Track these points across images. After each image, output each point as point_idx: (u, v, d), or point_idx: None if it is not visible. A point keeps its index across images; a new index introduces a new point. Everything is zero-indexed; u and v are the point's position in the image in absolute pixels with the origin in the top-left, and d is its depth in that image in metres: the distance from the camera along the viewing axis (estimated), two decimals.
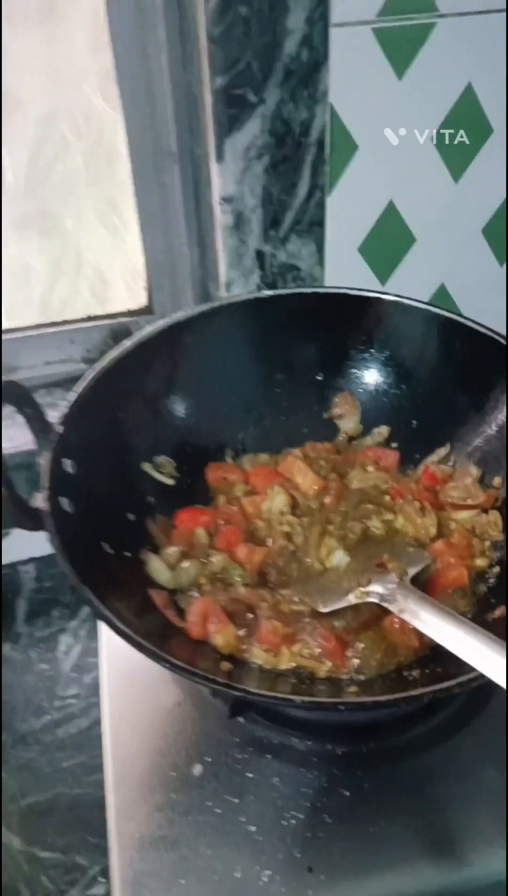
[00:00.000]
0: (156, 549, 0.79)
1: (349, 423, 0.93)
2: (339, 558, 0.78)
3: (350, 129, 0.98)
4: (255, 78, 0.92)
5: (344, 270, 1.08)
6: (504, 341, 0.79)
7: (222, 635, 0.70)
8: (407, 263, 1.11)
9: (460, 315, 0.83)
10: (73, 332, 1.20)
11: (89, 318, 1.23)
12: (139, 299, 1.22)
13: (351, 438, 0.93)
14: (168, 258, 1.19)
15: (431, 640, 0.63)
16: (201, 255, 1.17)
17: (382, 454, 0.89)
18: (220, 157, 0.97)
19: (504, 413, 0.80)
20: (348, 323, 0.91)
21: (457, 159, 1.03)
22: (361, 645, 0.70)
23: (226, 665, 0.67)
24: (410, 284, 1.11)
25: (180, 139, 1.09)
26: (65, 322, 1.20)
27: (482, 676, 0.56)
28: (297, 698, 0.56)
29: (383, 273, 1.10)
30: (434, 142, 1.00)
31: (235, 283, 1.06)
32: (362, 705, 0.56)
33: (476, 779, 0.70)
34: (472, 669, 0.56)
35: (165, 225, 1.17)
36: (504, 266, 1.14)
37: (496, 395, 0.81)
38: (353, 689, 0.65)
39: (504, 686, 0.53)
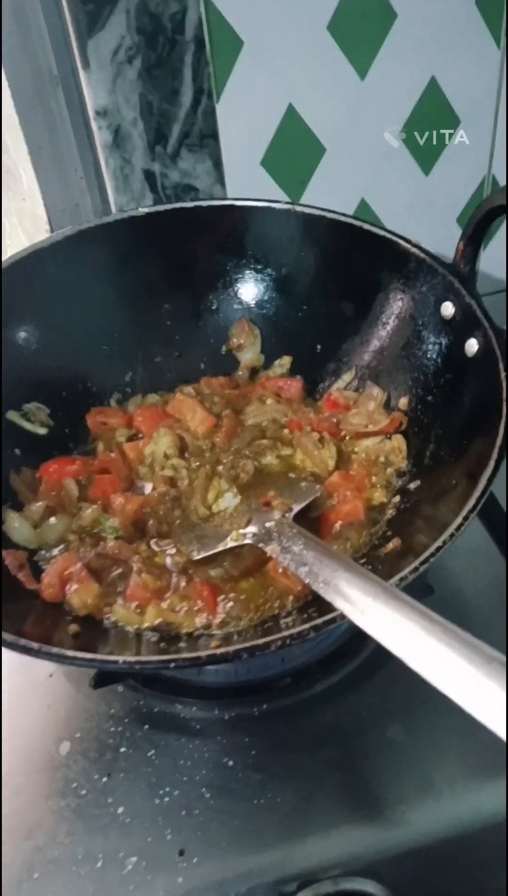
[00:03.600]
0: (19, 507, 0.70)
1: (248, 355, 0.83)
2: (228, 501, 0.69)
3: (231, 22, 0.86)
4: None
5: (248, 188, 0.97)
6: (382, 234, 0.69)
7: (80, 595, 0.62)
8: (319, 177, 0.99)
9: (341, 214, 0.73)
10: None
11: None
12: None
13: (253, 372, 0.84)
14: (66, 195, 1.08)
15: None
16: (99, 187, 1.06)
17: (284, 384, 0.80)
18: (85, 63, 0.86)
19: (394, 316, 0.70)
20: (236, 238, 0.81)
21: (361, 50, 0.91)
22: (233, 595, 0.61)
23: (73, 627, 0.58)
24: (325, 201, 1.00)
25: (59, 58, 0.98)
26: None
27: (338, 618, 0.46)
28: (119, 658, 0.47)
29: (293, 190, 0.99)
30: (331, 32, 0.88)
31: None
32: (195, 660, 0.47)
33: (379, 735, 0.61)
34: (334, 609, 0.47)
35: (58, 157, 1.06)
36: (429, 175, 1.03)
37: (384, 296, 0.71)
38: (215, 643, 0.56)
39: (372, 635, 0.44)
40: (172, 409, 0.78)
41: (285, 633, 0.47)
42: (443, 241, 0.83)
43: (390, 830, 0.58)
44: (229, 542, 0.62)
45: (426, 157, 1.04)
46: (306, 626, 0.47)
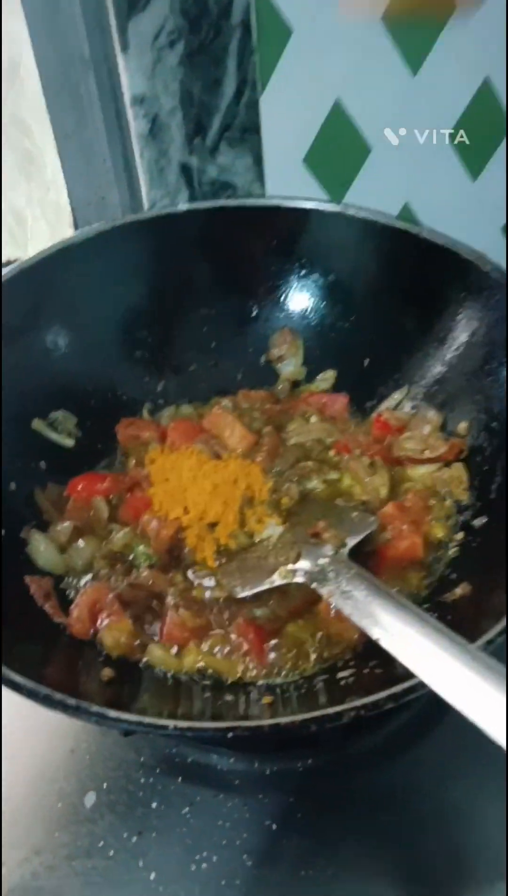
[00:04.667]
0: (44, 527, 0.64)
1: (289, 367, 0.77)
2: (271, 529, 0.63)
3: (281, 8, 0.80)
4: None
5: (289, 187, 0.91)
6: (456, 251, 0.63)
7: (112, 632, 0.56)
8: (364, 178, 0.94)
9: (406, 222, 0.67)
10: None
11: (7, 264, 1.07)
12: None
13: (294, 385, 0.78)
14: (93, 187, 1.02)
15: None
16: (128, 179, 1.00)
17: (328, 401, 0.74)
18: (124, 46, 0.80)
19: (462, 337, 0.64)
20: (282, 241, 0.75)
21: (415, 45, 0.85)
22: (279, 640, 0.55)
23: (108, 672, 0.52)
24: (368, 203, 0.94)
25: (92, 42, 0.92)
26: None
27: (419, 687, 0.41)
28: (171, 723, 0.41)
29: (335, 190, 0.94)
30: (385, 23, 0.83)
31: (159, 206, 0.89)
32: (256, 730, 0.41)
33: (441, 799, 0.56)
34: (412, 675, 0.41)
35: (85, 146, 0.99)
36: (476, 181, 0.97)
37: (451, 315, 0.65)
38: (267, 699, 0.50)
39: (453, 705, 0.38)
40: (208, 424, 0.72)
41: (359, 703, 0.41)
42: (487, 249, 0.77)
43: None
44: (277, 580, 0.57)
45: (475, 161, 0.98)
46: (383, 694, 0.41)
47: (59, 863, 0.54)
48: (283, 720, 0.41)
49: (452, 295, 0.66)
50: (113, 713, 0.41)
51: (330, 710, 0.40)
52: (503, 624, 0.44)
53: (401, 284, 0.71)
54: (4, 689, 0.44)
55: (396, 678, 0.44)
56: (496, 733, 0.37)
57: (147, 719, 0.41)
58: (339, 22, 0.83)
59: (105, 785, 0.57)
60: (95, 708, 0.42)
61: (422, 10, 0.83)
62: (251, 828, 0.54)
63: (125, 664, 0.54)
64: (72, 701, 0.42)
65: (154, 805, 0.56)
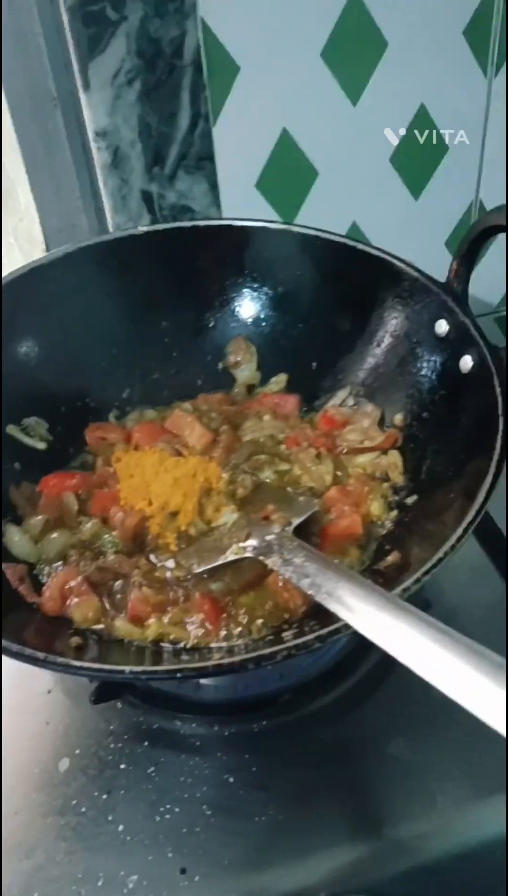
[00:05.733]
0: (19, 521, 0.70)
1: (245, 372, 0.84)
2: (227, 517, 0.69)
3: (228, 48, 0.88)
4: None
5: (243, 210, 0.98)
6: (389, 260, 0.71)
7: (81, 608, 0.62)
8: (313, 200, 1.01)
9: (337, 235, 0.74)
10: None
11: None
12: None
13: (250, 389, 0.84)
14: (63, 215, 1.09)
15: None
16: (95, 207, 1.07)
17: (281, 401, 0.80)
18: (86, 85, 0.87)
19: (393, 338, 0.71)
20: (234, 258, 0.82)
21: (353, 77, 0.93)
22: (234, 609, 0.61)
23: (76, 640, 0.57)
24: (318, 223, 1.02)
25: (58, 79, 0.99)
26: None
27: (343, 628, 0.47)
28: (127, 668, 0.47)
29: (287, 212, 1.01)
30: (324, 59, 0.91)
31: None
32: (201, 670, 0.47)
33: (381, 751, 0.61)
34: (337, 621, 0.47)
35: (55, 177, 1.07)
36: (418, 199, 1.05)
37: (384, 318, 0.72)
38: (219, 655, 0.56)
39: (375, 643, 0.44)
40: (170, 425, 0.78)
41: (291, 644, 0.47)
42: (431, 263, 0.84)
43: (392, 849, 0.57)
44: (230, 556, 0.63)
45: (416, 182, 1.06)
46: (311, 636, 0.47)
47: (35, 820, 0.59)
48: (225, 661, 0.46)
49: (385, 300, 0.74)
50: (76, 663, 0.47)
51: (265, 651, 0.46)
52: (416, 575, 0.50)
53: (341, 293, 0.78)
54: None
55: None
56: (395, 651, 0.42)
57: (106, 666, 0.47)
58: (282, 58, 0.90)
59: (77, 751, 0.63)
60: (60, 659, 0.47)
61: (357, 47, 0.91)
62: (210, 782, 0.60)
63: (93, 635, 0.60)
64: (41, 654, 0.47)
65: (122, 767, 0.61)
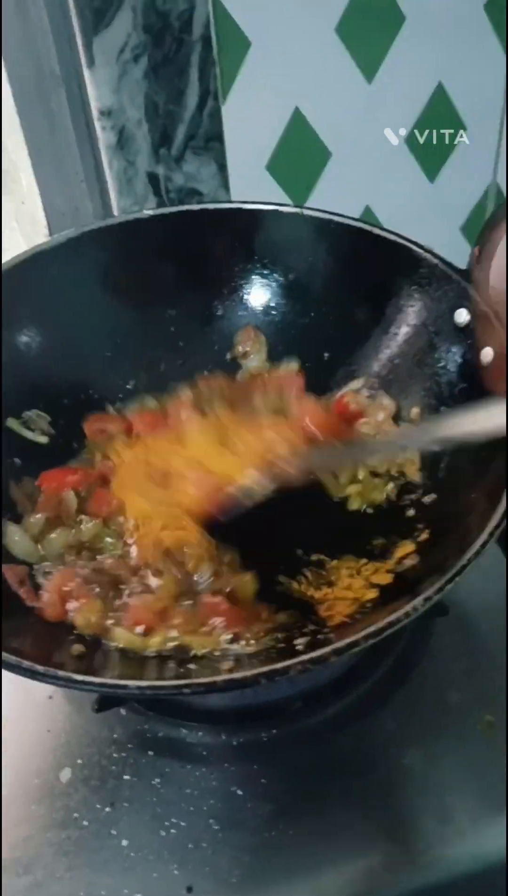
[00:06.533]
0: (18, 518, 0.67)
1: (254, 362, 0.80)
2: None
3: (239, 22, 0.84)
4: None
5: (253, 192, 0.95)
6: (408, 246, 0.67)
7: (83, 613, 0.59)
8: (325, 183, 0.97)
9: (351, 219, 0.71)
10: None
11: None
12: None
13: None
14: (66, 198, 1.06)
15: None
16: (99, 190, 1.03)
17: (286, 379, 0.76)
18: (91, 61, 0.83)
19: (411, 328, 0.68)
20: (244, 243, 0.78)
21: (368, 53, 0.89)
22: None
23: (77, 648, 0.55)
24: (330, 206, 0.98)
25: (62, 56, 0.95)
26: None
27: (362, 640, 0.44)
28: (132, 683, 0.44)
29: (298, 195, 0.97)
30: (339, 34, 0.87)
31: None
32: (211, 685, 0.44)
33: (395, 763, 0.59)
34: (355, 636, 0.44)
35: (58, 159, 1.03)
36: (434, 182, 1.01)
37: (401, 307, 0.68)
38: (227, 664, 0.53)
39: None
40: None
41: (306, 658, 0.44)
42: (446, 248, 0.81)
43: (406, 865, 0.55)
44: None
45: (431, 163, 1.02)
46: (328, 649, 0.44)
47: (35, 834, 0.56)
48: (236, 675, 0.43)
49: (402, 288, 0.70)
50: (79, 677, 0.44)
51: (278, 665, 0.43)
52: (440, 583, 0.47)
53: (356, 280, 0.74)
54: None
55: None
56: None
57: (109, 681, 0.44)
58: (295, 34, 0.86)
59: (79, 761, 0.60)
60: (61, 673, 0.45)
61: (374, 22, 0.87)
62: (218, 794, 0.57)
63: (95, 641, 0.57)
64: (41, 667, 0.45)
65: (126, 777, 0.59)
